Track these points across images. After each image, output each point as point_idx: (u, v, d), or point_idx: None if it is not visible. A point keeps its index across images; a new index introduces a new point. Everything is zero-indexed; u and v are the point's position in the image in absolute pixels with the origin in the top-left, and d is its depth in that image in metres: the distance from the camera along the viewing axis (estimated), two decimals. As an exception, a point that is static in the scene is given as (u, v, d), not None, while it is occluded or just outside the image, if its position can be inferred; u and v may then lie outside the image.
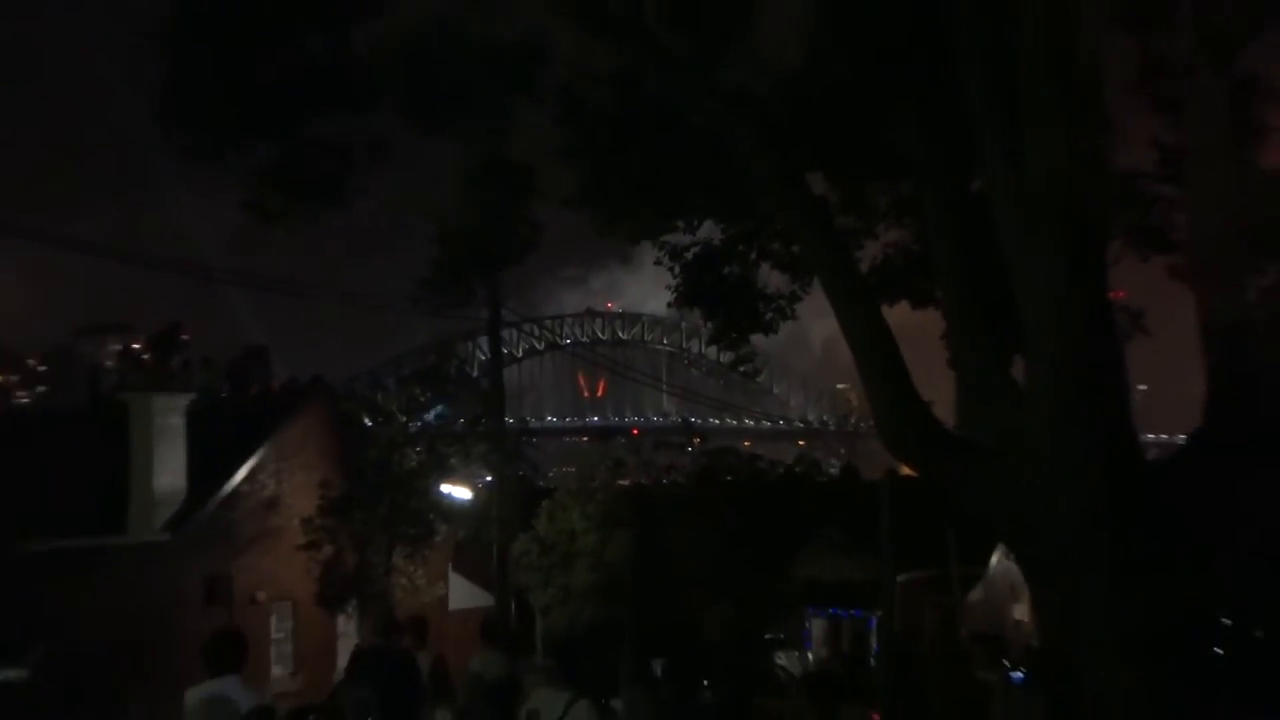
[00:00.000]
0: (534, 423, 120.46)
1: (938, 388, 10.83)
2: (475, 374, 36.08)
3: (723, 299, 15.98)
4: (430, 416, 36.18)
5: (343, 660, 24.92)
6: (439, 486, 34.48)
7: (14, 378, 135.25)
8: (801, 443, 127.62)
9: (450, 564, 36.20)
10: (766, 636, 35.08)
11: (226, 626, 12.40)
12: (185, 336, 47.95)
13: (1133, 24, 11.51)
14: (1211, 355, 11.29)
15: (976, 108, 9.52)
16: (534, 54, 13.06)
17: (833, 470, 67.70)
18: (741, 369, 18.99)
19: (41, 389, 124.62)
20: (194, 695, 9.96)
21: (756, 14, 12.80)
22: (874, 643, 31.09)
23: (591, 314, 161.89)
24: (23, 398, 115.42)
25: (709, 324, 16.66)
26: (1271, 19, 11.57)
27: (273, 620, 30.96)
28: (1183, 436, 12.15)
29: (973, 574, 31.00)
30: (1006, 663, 13.05)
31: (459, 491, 34.66)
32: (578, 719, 9.34)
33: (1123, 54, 11.63)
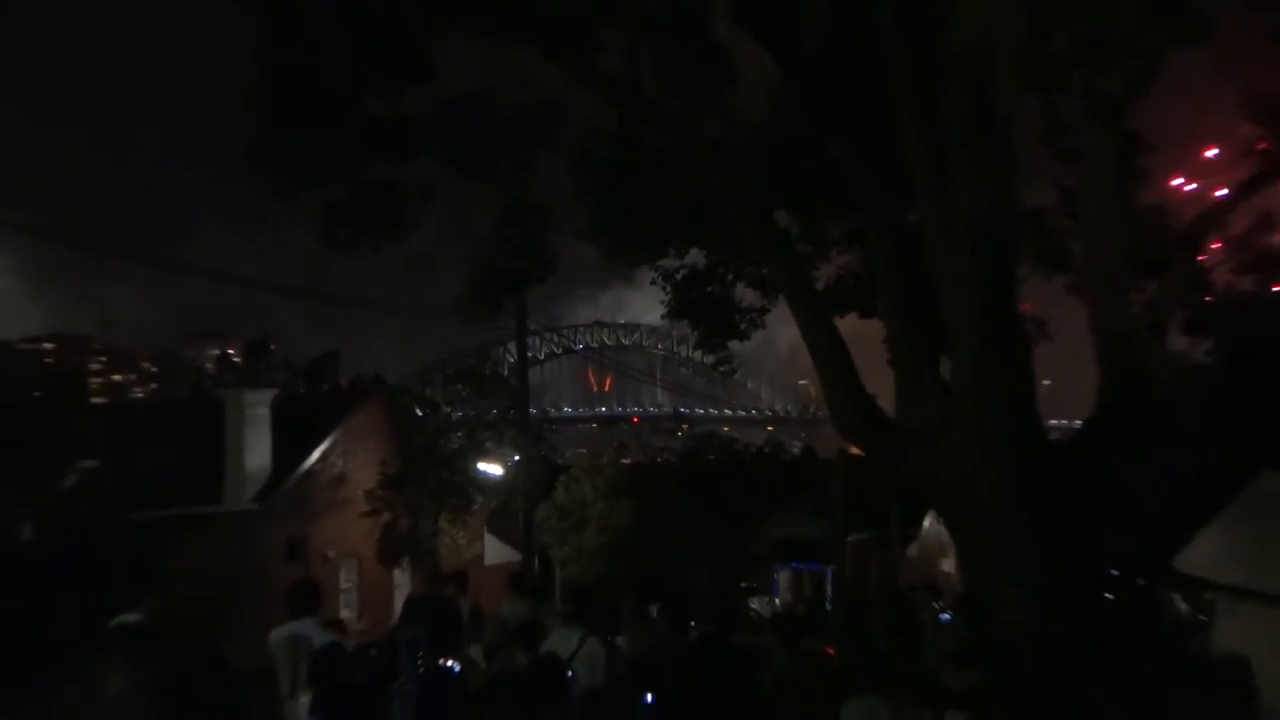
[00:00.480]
0: (553, 413, 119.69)
1: (880, 383, 10.92)
2: (505, 373, 36.05)
3: (705, 312, 15.94)
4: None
5: (398, 606, 25.16)
6: (476, 465, 34.53)
7: (130, 376, 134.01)
8: (770, 428, 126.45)
9: (485, 527, 36.08)
10: (742, 585, 35.19)
11: (304, 578, 12.44)
12: (273, 345, 48.12)
13: (1038, 89, 11.58)
14: (1102, 356, 11.50)
15: (912, 158, 9.56)
16: (553, 115, 13.04)
17: (795, 450, 66.89)
18: (721, 368, 18.90)
19: (153, 385, 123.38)
20: (278, 634, 9.98)
21: (732, 81, 12.76)
22: (829, 590, 31.13)
23: (599, 324, 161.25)
24: (138, 393, 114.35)
25: (695, 332, 16.55)
26: (1148, 87, 11.75)
27: (341, 574, 30.97)
28: (1079, 422, 12.22)
29: (909, 535, 30.89)
30: (937, 605, 13.03)
31: (492, 469, 34.62)
32: (588, 653, 9.27)
33: (1030, 114, 11.72)
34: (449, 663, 8.97)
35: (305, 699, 8.65)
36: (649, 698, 7.22)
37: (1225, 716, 6.45)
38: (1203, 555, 4.28)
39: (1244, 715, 6.93)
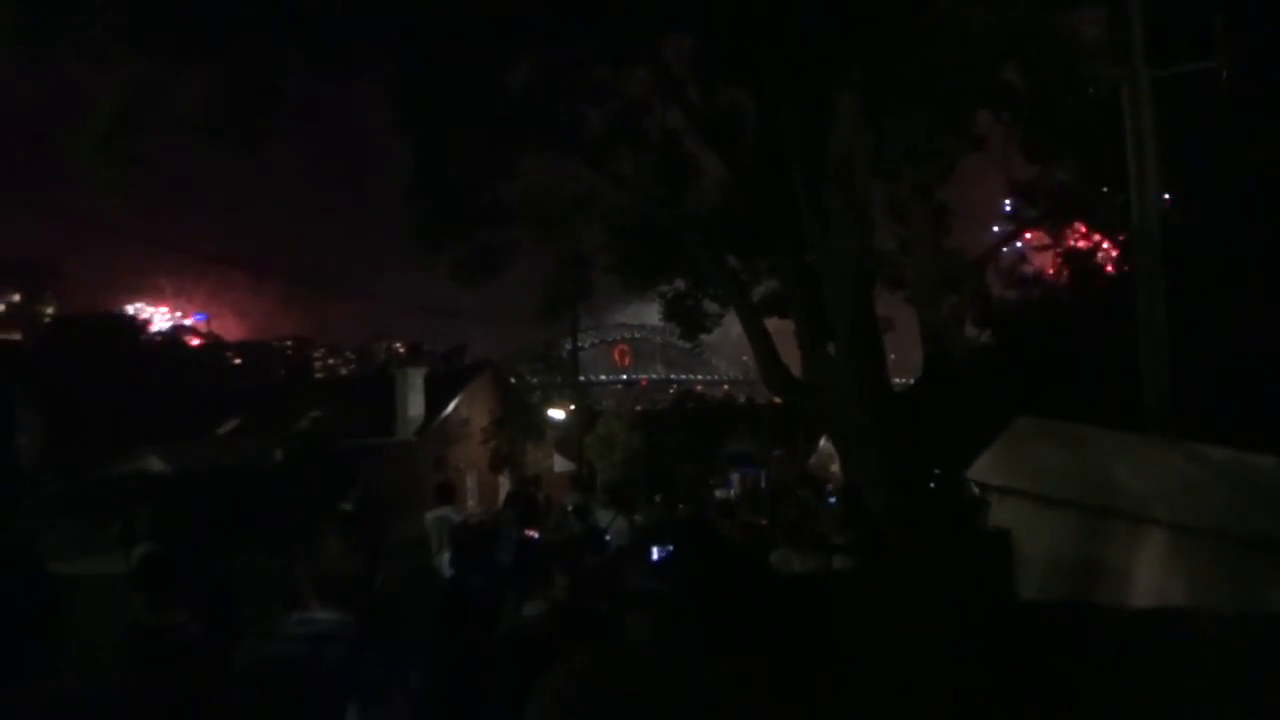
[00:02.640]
0: (593, 379, 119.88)
1: (792, 358, 10.86)
2: (564, 355, 36.12)
3: (684, 315, 16.01)
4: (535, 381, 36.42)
5: (500, 499, 25.32)
6: (547, 411, 34.63)
7: (339, 360, 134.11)
8: (726, 386, 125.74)
9: (554, 449, 36.36)
10: (710, 482, 35.25)
11: (445, 480, 12.50)
12: (427, 349, 48.38)
13: (882, 179, 11.34)
14: (925, 341, 11.49)
15: (808, 223, 9.43)
16: (589, 199, 13.11)
17: (742, 400, 67.00)
18: (695, 349, 19.05)
19: (353, 366, 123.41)
20: (429, 515, 10.07)
21: (698, 176, 12.77)
22: (763, 484, 31.12)
23: (622, 324, 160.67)
24: (343, 371, 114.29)
25: (680, 327, 16.72)
26: (949, 177, 11.68)
27: (468, 478, 31.21)
28: (911, 380, 12.18)
29: (812, 448, 31.02)
30: (829, 490, 13.00)
31: (557, 414, 34.79)
32: (617, 526, 9.27)
33: (879, 193, 11.55)
34: (531, 533, 8.91)
35: (446, 555, 8.67)
36: (654, 553, 7.19)
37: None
38: (983, 466, 4.32)
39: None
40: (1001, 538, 4.24)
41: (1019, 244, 16.28)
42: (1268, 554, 3.55)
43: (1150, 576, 3.82)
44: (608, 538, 8.71)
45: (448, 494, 11.01)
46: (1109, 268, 14.85)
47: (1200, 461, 4.06)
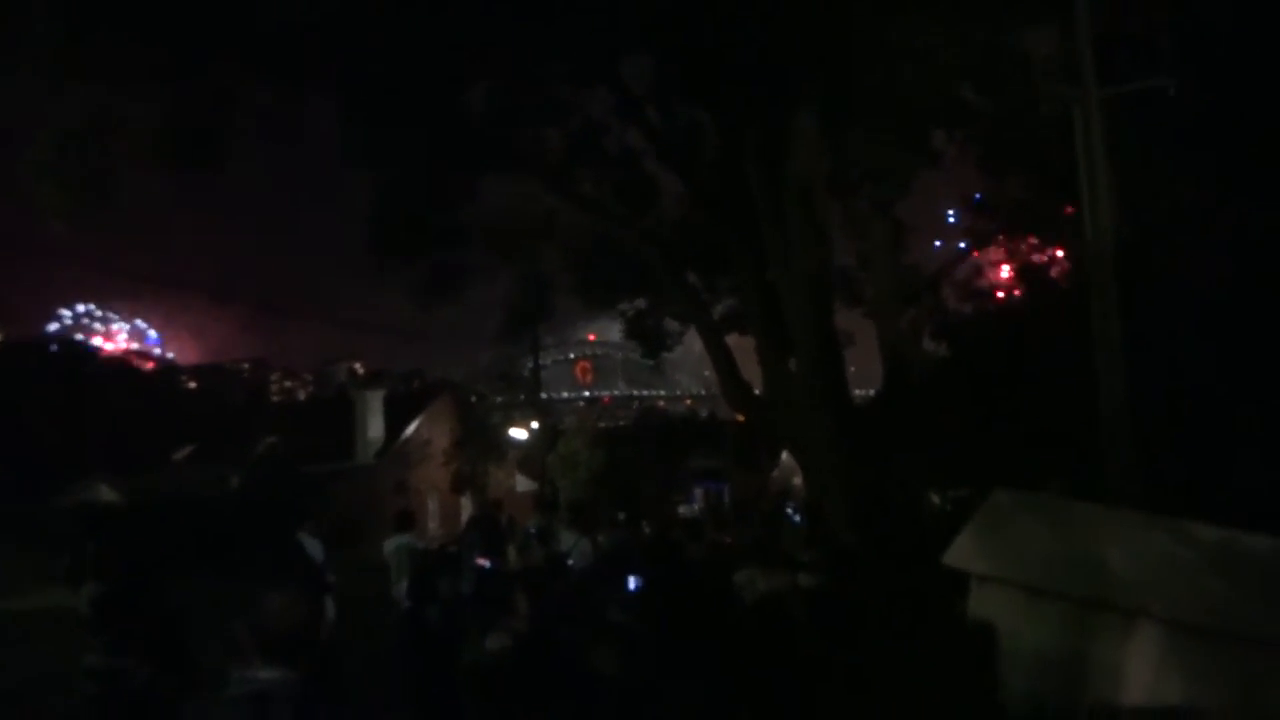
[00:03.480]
0: (554, 397, 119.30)
1: (752, 374, 10.88)
2: (525, 373, 35.94)
3: (645, 333, 16.04)
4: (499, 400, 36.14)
5: (463, 521, 24.98)
6: (509, 431, 34.40)
7: (296, 383, 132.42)
8: (688, 402, 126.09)
9: (516, 469, 36.09)
10: (674, 498, 35.23)
11: (404, 508, 12.26)
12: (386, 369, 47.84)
13: (840, 197, 11.36)
14: (884, 354, 11.57)
15: (768, 240, 9.47)
16: (550, 220, 13.01)
17: (704, 415, 67.09)
18: (655, 366, 18.95)
19: (311, 389, 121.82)
20: (389, 543, 9.91)
21: (658, 195, 12.69)
22: (726, 499, 31.22)
23: (582, 341, 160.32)
24: (301, 394, 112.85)
25: (641, 344, 16.69)
26: (906, 193, 11.77)
27: (429, 502, 30.88)
28: (871, 393, 12.25)
29: (774, 464, 31.16)
30: (790, 508, 12.92)
31: (519, 433, 34.55)
32: (580, 548, 9.19)
33: (837, 212, 11.41)
34: (483, 561, 8.67)
35: (404, 582, 8.49)
36: (630, 583, 7.02)
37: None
38: (961, 550, 4.16)
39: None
40: (984, 633, 4.07)
41: (975, 257, 16.51)
42: (1268, 652, 3.40)
43: (1144, 674, 3.65)
44: (570, 561, 8.63)
45: (407, 521, 10.83)
46: (1062, 281, 15.08)
47: (1195, 546, 3.91)
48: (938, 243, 15.69)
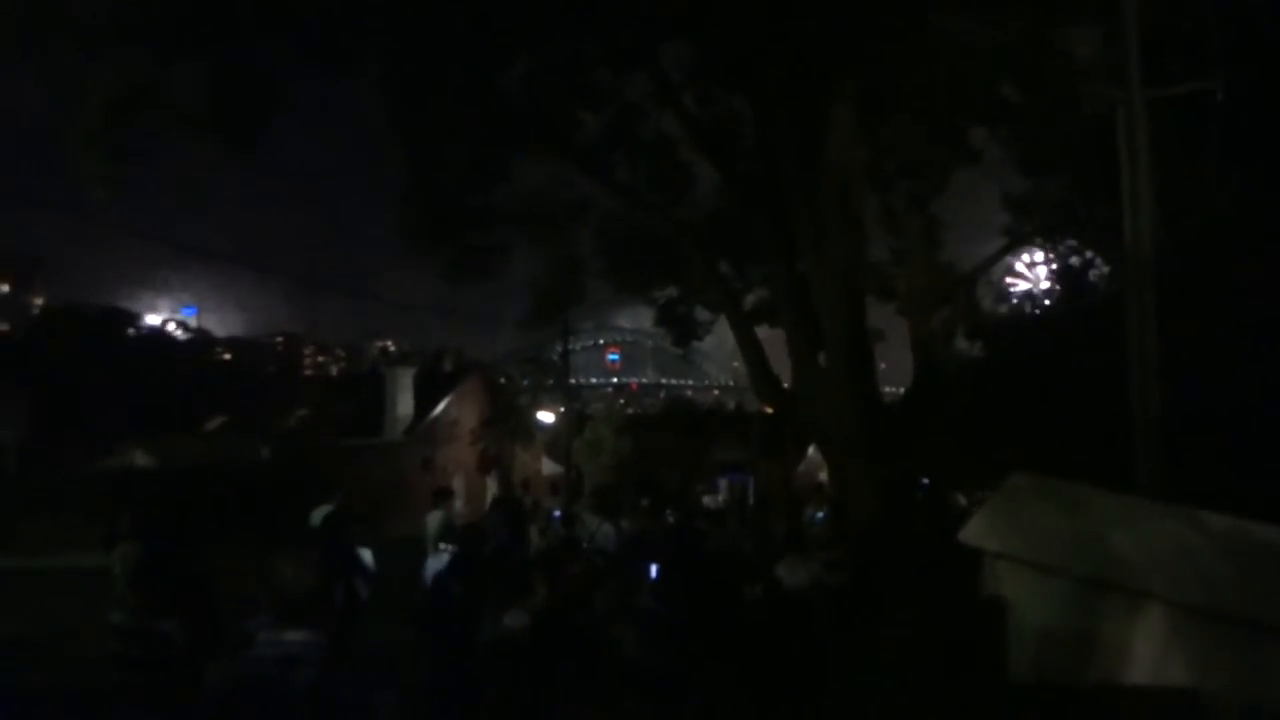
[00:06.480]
0: (583, 382, 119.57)
1: (782, 367, 10.82)
2: (555, 357, 36.10)
3: (676, 322, 15.97)
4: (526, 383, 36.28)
5: (488, 501, 25.22)
6: (536, 414, 34.53)
7: (329, 358, 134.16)
8: (716, 392, 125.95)
9: (543, 452, 36.24)
10: (698, 487, 35.24)
11: (444, 485, 12.45)
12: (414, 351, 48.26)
13: (877, 190, 11.34)
14: (915, 352, 11.47)
15: (801, 231, 9.43)
16: (583, 205, 12.99)
17: (731, 407, 66.99)
18: (685, 355, 18.86)
19: (343, 364, 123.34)
20: (430, 516, 10.23)
21: (692, 183, 12.70)
22: (750, 492, 31.11)
23: (613, 328, 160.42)
24: (333, 370, 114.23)
25: (671, 333, 16.65)
26: (943, 188, 11.65)
27: (455, 480, 31.16)
28: (901, 390, 12.15)
29: (800, 458, 31.01)
30: (810, 510, 12.60)
31: (546, 416, 34.68)
32: (603, 532, 9.16)
33: (873, 205, 11.40)
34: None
35: (431, 560, 8.55)
36: (653, 571, 7.04)
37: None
38: (977, 528, 4.22)
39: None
40: (996, 607, 4.11)
41: (1011, 258, 16.34)
42: (1271, 636, 3.41)
43: (1149, 653, 3.68)
44: (588, 544, 8.65)
45: (445, 497, 11.01)
46: (1100, 284, 14.88)
47: (1204, 532, 3.93)
48: (989, 242, 15.51)
